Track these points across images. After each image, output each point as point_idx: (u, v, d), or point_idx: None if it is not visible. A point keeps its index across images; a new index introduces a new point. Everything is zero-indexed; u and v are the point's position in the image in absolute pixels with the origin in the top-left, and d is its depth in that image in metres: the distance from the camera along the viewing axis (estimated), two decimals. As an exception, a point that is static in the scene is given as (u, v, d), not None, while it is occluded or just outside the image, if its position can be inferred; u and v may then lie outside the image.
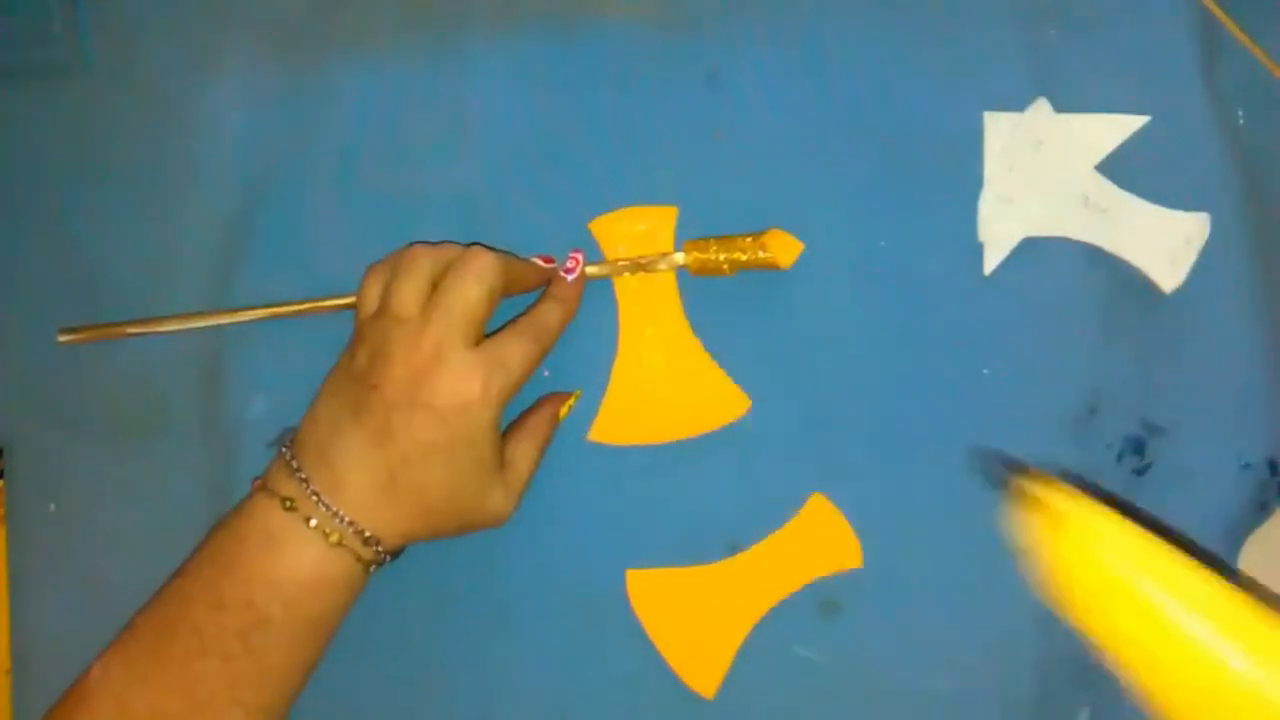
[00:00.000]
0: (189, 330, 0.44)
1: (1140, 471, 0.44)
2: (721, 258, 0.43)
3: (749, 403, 0.44)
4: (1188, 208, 0.44)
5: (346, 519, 0.37)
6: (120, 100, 0.46)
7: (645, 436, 0.44)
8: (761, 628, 0.44)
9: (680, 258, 0.44)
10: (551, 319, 0.41)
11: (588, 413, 0.44)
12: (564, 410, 0.44)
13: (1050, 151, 0.45)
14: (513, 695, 0.44)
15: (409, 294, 0.38)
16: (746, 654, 0.44)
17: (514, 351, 0.39)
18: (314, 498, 0.37)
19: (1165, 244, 0.44)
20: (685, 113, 0.45)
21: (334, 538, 0.37)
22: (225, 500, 0.43)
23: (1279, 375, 0.44)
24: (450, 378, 0.37)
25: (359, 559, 0.38)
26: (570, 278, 0.43)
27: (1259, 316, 0.44)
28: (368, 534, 0.38)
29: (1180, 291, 0.44)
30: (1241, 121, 0.45)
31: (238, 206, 0.45)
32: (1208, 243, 0.44)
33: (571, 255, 0.43)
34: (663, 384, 0.44)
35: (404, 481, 0.38)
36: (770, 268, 0.43)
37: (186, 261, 0.45)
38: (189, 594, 0.38)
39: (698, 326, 0.44)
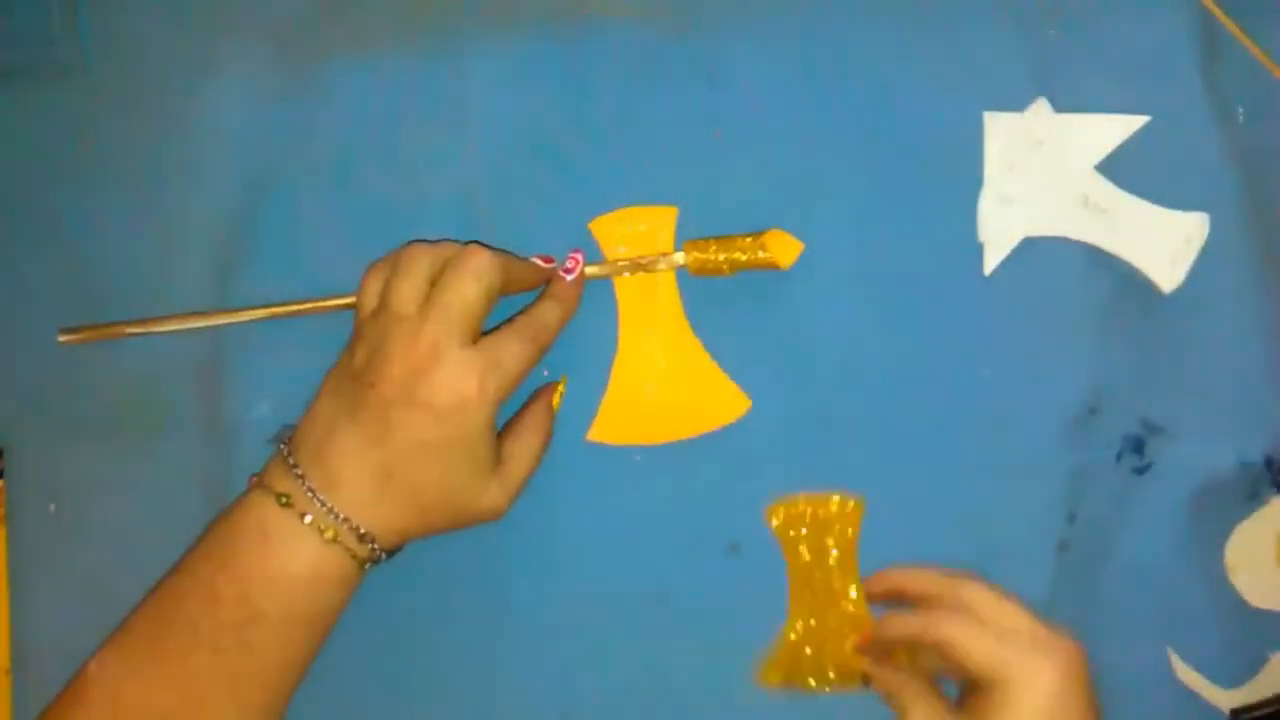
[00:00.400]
0: (189, 330, 0.44)
1: (1140, 471, 0.44)
2: (721, 258, 0.43)
3: (749, 403, 0.44)
4: (1187, 208, 0.44)
5: (342, 516, 0.37)
6: (120, 100, 0.46)
7: (645, 436, 0.44)
8: (761, 627, 0.44)
9: (680, 258, 0.44)
10: (550, 318, 0.41)
11: (588, 413, 0.44)
12: (556, 399, 0.44)
13: (1050, 151, 0.45)
14: (513, 695, 0.44)
15: (407, 292, 0.38)
16: (746, 654, 0.44)
17: (511, 351, 0.39)
18: (310, 494, 0.37)
19: (1165, 244, 0.44)
20: (685, 113, 0.45)
21: (329, 534, 0.37)
22: (225, 500, 0.43)
23: (1278, 375, 0.44)
24: (447, 376, 0.37)
25: (354, 556, 0.38)
26: (570, 277, 0.43)
27: (1258, 316, 0.44)
28: (363, 531, 0.38)
29: (1180, 291, 0.44)
30: (1241, 121, 0.45)
31: (237, 206, 0.45)
32: (1207, 243, 0.44)
33: (571, 255, 0.43)
34: (663, 384, 0.44)
35: (400, 479, 0.38)
36: (770, 268, 0.43)
37: (186, 261, 0.45)
38: (185, 589, 0.38)
39: (698, 326, 0.44)
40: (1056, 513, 0.44)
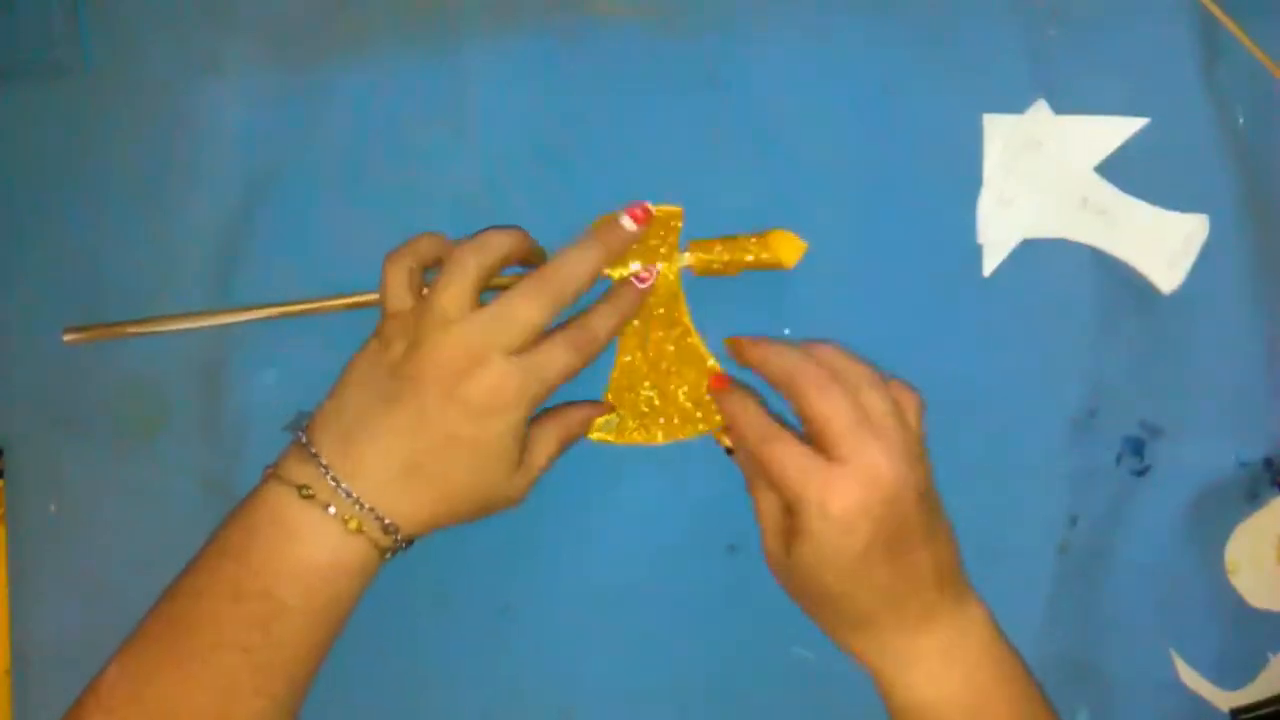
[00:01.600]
0: (190, 330, 0.44)
1: (1140, 472, 0.44)
2: (726, 259, 0.43)
3: (749, 403, 0.44)
4: (1187, 209, 0.44)
5: (366, 505, 0.37)
6: (120, 100, 0.46)
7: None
8: (761, 627, 0.44)
9: (685, 258, 0.44)
10: (602, 331, 0.41)
11: (588, 413, 0.44)
12: (599, 422, 0.44)
13: (1049, 153, 0.45)
14: (513, 695, 0.44)
15: (456, 295, 0.38)
16: (746, 654, 0.44)
17: (555, 363, 0.39)
18: (333, 483, 0.37)
19: (1164, 245, 0.44)
20: (686, 113, 0.45)
21: (352, 524, 0.37)
22: (226, 500, 0.43)
23: (1276, 375, 0.44)
24: (490, 380, 0.38)
25: (376, 545, 0.38)
26: (643, 286, 0.43)
27: (1257, 317, 0.44)
28: (387, 521, 0.38)
29: (1179, 293, 0.44)
30: (1241, 122, 0.45)
31: (238, 206, 0.45)
32: (1206, 244, 0.44)
33: (647, 267, 0.43)
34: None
35: (428, 471, 0.38)
36: (774, 268, 0.43)
37: (187, 261, 0.45)
38: (204, 588, 0.38)
39: (700, 326, 0.44)
40: (1057, 515, 0.44)
